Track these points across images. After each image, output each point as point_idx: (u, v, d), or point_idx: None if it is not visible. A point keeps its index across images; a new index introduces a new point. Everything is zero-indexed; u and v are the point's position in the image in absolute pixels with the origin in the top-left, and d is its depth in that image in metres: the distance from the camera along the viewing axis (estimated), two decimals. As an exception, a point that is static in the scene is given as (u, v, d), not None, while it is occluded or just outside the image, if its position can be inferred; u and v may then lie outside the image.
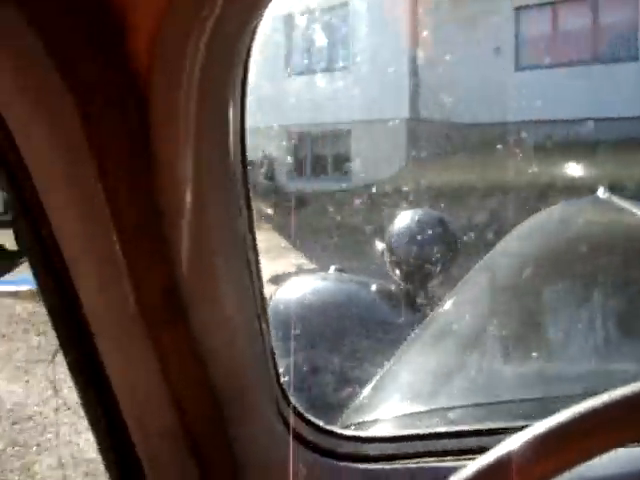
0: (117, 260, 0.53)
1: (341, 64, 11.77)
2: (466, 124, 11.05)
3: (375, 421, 0.96)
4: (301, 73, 11.88)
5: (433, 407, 0.92)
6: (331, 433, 0.73)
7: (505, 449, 0.42)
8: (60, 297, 0.54)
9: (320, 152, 13.03)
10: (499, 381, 0.96)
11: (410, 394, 1.00)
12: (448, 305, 1.29)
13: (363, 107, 11.29)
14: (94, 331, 0.55)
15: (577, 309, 1.08)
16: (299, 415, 0.72)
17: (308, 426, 0.72)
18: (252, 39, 0.56)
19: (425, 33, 11.16)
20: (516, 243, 1.55)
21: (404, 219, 1.81)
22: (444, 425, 0.87)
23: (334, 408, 1.06)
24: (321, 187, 11.42)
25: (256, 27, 0.56)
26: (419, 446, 0.74)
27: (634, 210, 1.45)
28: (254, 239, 0.64)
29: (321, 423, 0.73)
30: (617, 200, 1.57)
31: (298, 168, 12.95)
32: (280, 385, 0.70)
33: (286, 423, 0.69)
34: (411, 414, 0.96)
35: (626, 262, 1.22)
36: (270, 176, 12.75)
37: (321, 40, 11.01)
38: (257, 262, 0.64)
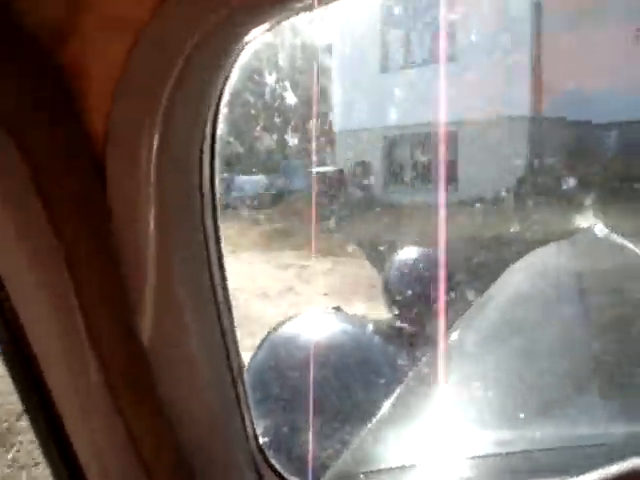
0: (79, 329, 0.59)
1: (447, 54, 11.72)
2: (600, 124, 10.65)
3: (364, 473, 1.01)
4: (399, 67, 11.95)
5: (423, 461, 0.97)
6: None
7: None
8: (23, 365, 0.62)
9: (421, 158, 13.06)
10: (492, 433, 1.00)
11: (401, 445, 1.06)
12: (443, 348, 1.35)
13: (472, 105, 11.15)
14: (57, 398, 0.62)
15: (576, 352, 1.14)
16: (277, 474, 0.80)
17: None
18: (220, 92, 0.62)
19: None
20: (514, 281, 1.77)
21: (401, 258, 2.09)
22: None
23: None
24: (422, 199, 11.41)
25: (225, 80, 0.62)
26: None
27: (631, 247, 1.67)
28: (226, 292, 0.69)
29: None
30: (614, 237, 1.81)
31: (396, 177, 12.99)
32: (257, 444, 0.77)
33: None
34: (398, 468, 1.01)
35: (623, 300, 1.37)
36: (364, 186, 12.90)
37: (423, 27, 11.06)
38: (229, 316, 0.70)
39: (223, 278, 0.70)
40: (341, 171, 15.58)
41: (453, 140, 12.27)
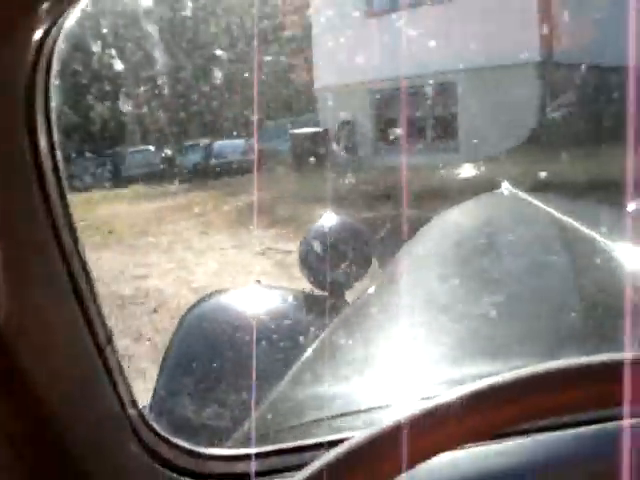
0: None
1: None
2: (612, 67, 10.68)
3: (264, 435, 1.24)
4: (386, 10, 11.93)
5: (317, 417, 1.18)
6: (192, 453, 0.94)
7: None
8: None
9: (415, 114, 12.89)
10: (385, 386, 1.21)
11: (315, 399, 1.28)
12: (350, 311, 1.60)
13: (474, 50, 10.93)
14: None
15: (478, 306, 1.34)
16: (161, 437, 0.91)
17: (170, 448, 0.91)
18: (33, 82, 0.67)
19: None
20: (425, 243, 2.02)
21: (318, 226, 2.35)
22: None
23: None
24: (418, 161, 11.16)
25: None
26: (278, 462, 1.01)
27: (536, 202, 1.89)
28: (82, 262, 0.77)
29: (185, 444, 0.94)
30: (521, 194, 2.04)
31: (387, 136, 12.85)
32: (136, 409, 0.87)
33: (146, 448, 0.87)
34: (312, 421, 1.22)
35: (531, 253, 1.57)
36: (350, 147, 13.20)
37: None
38: (89, 287, 0.78)
39: (76, 245, 0.76)
40: (325, 132, 15.51)
41: (452, 92, 12.14)
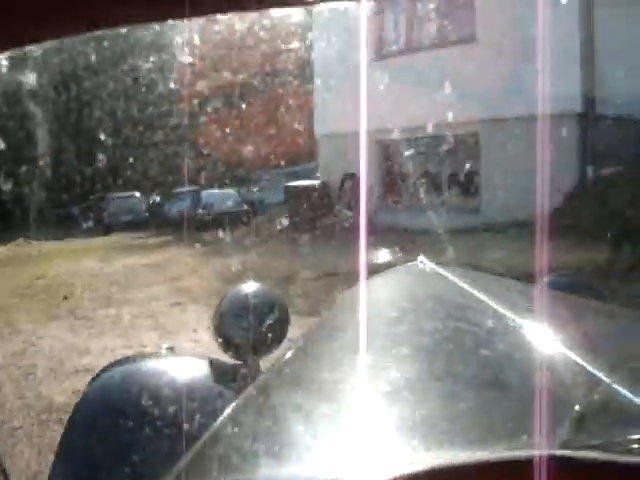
0: None
1: (462, 34, 11.89)
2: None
3: None
4: (398, 52, 12.20)
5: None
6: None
7: None
8: None
9: (429, 168, 13.21)
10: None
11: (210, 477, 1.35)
12: (262, 380, 1.73)
13: (499, 96, 11.07)
14: None
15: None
16: None
17: None
18: None
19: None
20: (337, 314, 2.18)
21: (233, 294, 2.50)
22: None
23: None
24: (430, 224, 11.29)
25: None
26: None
27: (451, 277, 2.05)
28: None
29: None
30: (435, 267, 2.21)
31: (395, 192, 13.24)
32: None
33: None
34: None
35: (441, 326, 1.67)
36: (354, 204, 13.31)
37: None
38: None
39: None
40: (324, 185, 15.82)
41: (473, 144, 12.14)
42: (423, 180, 13.24)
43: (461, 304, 1.88)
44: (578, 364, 1.27)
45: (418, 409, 1.35)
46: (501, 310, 1.64)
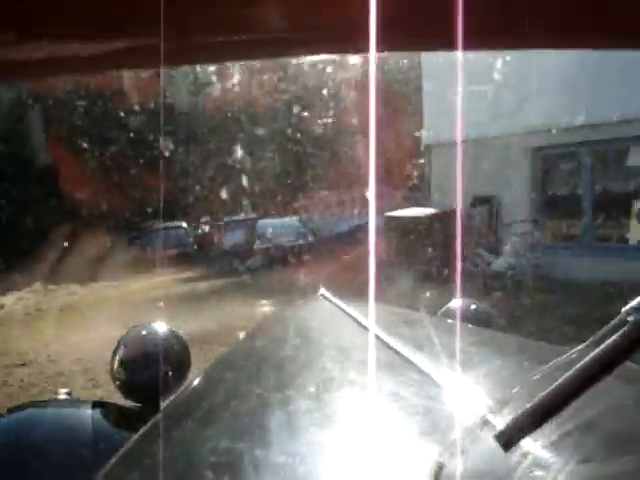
0: None
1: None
2: None
3: None
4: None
5: None
6: None
7: None
8: None
9: (614, 187, 9.81)
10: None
11: None
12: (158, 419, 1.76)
13: None
14: None
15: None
16: None
17: None
18: None
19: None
20: (244, 347, 2.20)
21: (131, 334, 2.49)
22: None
23: None
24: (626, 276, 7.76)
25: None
26: None
27: (346, 309, 2.07)
28: None
29: None
30: (334, 299, 2.21)
31: (563, 225, 9.85)
32: None
33: None
34: None
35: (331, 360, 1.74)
36: (494, 243, 10.03)
37: None
38: None
39: None
40: (444, 215, 10.54)
41: None
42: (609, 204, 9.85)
43: (353, 338, 1.93)
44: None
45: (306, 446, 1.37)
46: (391, 343, 1.70)
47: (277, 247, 17.76)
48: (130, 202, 19.44)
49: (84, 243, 16.75)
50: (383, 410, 1.40)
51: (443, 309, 2.41)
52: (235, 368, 1.99)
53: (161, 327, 2.48)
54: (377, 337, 1.78)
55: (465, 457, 1.06)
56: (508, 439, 0.95)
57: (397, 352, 1.66)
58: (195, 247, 22.44)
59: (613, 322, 0.94)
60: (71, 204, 18.88)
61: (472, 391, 1.37)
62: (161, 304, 10.81)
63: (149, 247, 21.07)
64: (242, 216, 20.91)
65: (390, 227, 11.56)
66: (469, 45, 0.77)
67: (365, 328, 1.90)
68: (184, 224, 22.63)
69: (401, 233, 11.33)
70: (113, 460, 1.61)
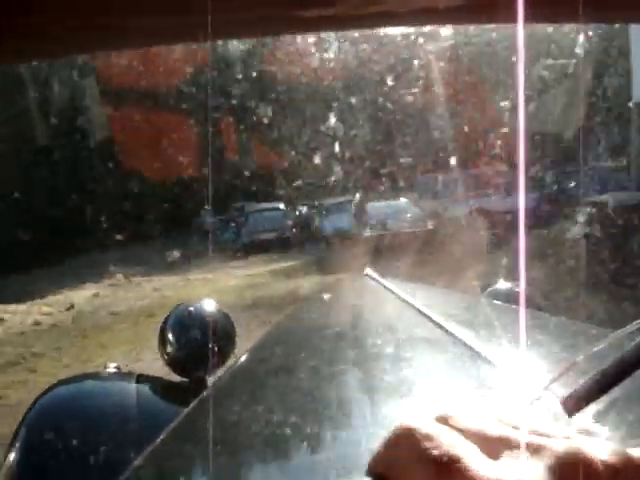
0: None
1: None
2: None
3: None
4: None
5: None
6: None
7: None
8: None
9: None
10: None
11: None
12: (205, 397, 1.77)
13: None
14: None
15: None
16: None
17: None
18: None
19: None
20: (291, 323, 2.21)
21: (178, 311, 2.48)
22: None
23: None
24: None
25: None
26: None
27: (393, 288, 2.05)
28: None
29: None
30: (381, 280, 2.18)
31: None
32: None
33: None
34: None
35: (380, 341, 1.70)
36: None
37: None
38: None
39: None
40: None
41: None
42: None
43: (402, 317, 1.93)
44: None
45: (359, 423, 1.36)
46: (439, 321, 1.69)
47: (391, 234, 14.51)
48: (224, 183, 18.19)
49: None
50: (436, 386, 1.39)
51: (489, 289, 2.39)
52: (282, 345, 1.99)
53: (208, 304, 2.49)
54: (427, 316, 1.77)
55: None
56: (574, 405, 0.95)
57: (447, 331, 1.65)
58: (293, 230, 20.15)
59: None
60: (162, 188, 18.08)
61: (525, 368, 1.35)
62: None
63: (244, 229, 19.74)
64: (345, 198, 17.76)
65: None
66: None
67: (409, 304, 1.89)
68: (281, 205, 20.53)
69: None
70: (162, 436, 1.61)
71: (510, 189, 11.79)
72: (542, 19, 0.80)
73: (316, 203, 19.66)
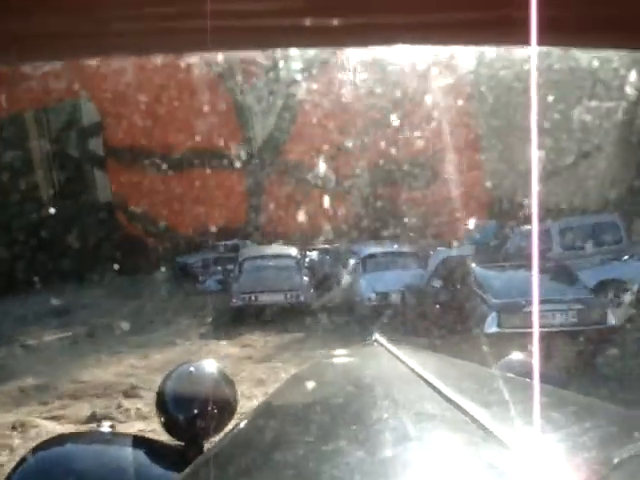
0: None
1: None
2: None
3: None
4: None
5: None
6: None
7: None
8: None
9: None
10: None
11: None
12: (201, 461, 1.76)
13: None
14: None
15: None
16: None
17: None
18: None
19: None
20: (292, 391, 2.10)
21: (178, 372, 2.36)
22: None
23: None
24: None
25: None
26: None
27: (402, 357, 1.96)
28: None
29: None
30: (390, 346, 2.11)
31: None
32: None
33: None
34: None
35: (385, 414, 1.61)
36: None
37: None
38: None
39: None
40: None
41: None
42: None
43: (410, 389, 1.83)
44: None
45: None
46: (449, 395, 1.60)
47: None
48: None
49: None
50: (443, 469, 1.29)
51: (502, 360, 2.29)
52: (282, 414, 1.91)
53: (209, 365, 2.38)
54: (436, 388, 1.68)
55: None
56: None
57: (457, 406, 1.54)
58: (311, 291, 14.38)
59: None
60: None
61: (541, 451, 1.25)
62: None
63: (235, 285, 14.36)
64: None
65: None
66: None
67: (418, 375, 1.80)
68: (293, 251, 15.55)
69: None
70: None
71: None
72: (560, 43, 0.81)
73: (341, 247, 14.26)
